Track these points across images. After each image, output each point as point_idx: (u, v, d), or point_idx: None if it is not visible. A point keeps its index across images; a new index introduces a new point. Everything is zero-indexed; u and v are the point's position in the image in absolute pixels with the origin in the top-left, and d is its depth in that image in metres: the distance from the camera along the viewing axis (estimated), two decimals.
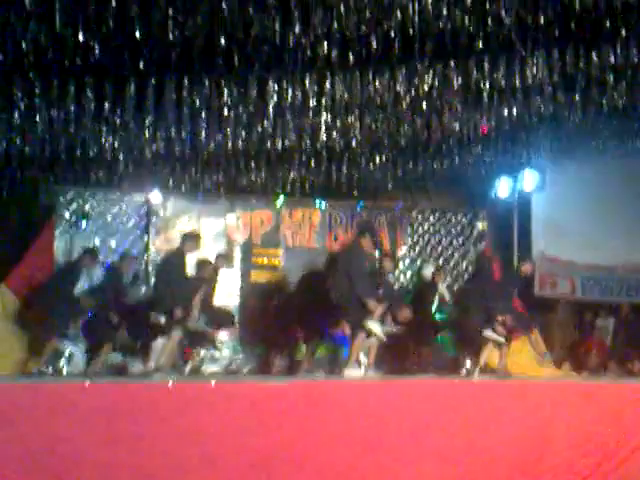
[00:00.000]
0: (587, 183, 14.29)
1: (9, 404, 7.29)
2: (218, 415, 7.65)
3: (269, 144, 11.27)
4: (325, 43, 8.84)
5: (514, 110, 10.74)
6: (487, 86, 9.97)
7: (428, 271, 12.37)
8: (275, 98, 9.92)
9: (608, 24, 8.85)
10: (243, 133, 11.00)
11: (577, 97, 10.53)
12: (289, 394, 8.13)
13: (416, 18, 8.43)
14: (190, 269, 10.12)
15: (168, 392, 7.94)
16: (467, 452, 8.13)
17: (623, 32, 9.24)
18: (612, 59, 9.58)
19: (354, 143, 11.61)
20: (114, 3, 7.70)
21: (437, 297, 11.77)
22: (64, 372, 10.97)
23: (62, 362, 11.10)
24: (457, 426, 8.17)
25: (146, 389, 8.13)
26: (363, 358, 9.96)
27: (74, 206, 11.48)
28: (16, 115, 9.77)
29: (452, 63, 9.67)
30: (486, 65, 9.66)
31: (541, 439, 8.43)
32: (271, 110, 10.23)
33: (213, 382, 8.50)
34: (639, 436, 8.70)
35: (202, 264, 10.44)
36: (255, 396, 7.98)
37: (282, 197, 12.53)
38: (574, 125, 11.62)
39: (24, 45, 8.26)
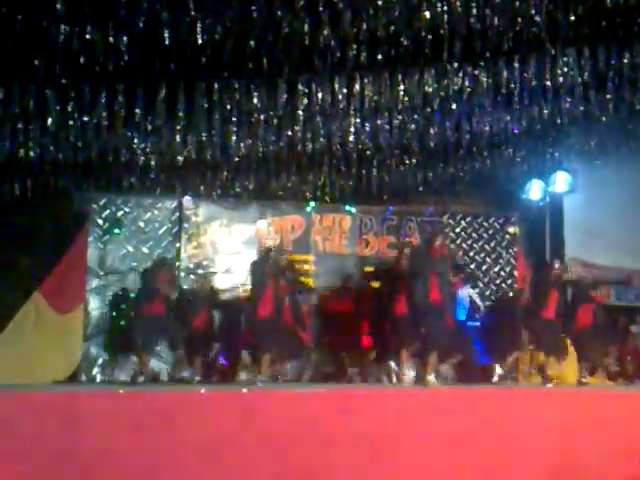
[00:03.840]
0: (620, 184, 14.16)
1: (41, 411, 7.29)
2: (249, 422, 7.60)
3: (299, 148, 11.29)
4: (354, 45, 8.88)
5: (545, 110, 10.67)
6: (517, 86, 9.92)
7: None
8: (305, 101, 9.94)
9: None
10: (273, 138, 11.06)
11: (609, 97, 10.43)
12: (324, 401, 8.08)
13: (445, 18, 8.45)
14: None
15: (201, 399, 7.92)
16: (496, 461, 8.01)
17: None
18: None
19: (384, 146, 11.60)
20: (144, 7, 7.73)
21: (468, 302, 11.65)
22: (97, 379, 11.07)
23: (96, 370, 11.20)
24: (486, 435, 8.04)
25: (179, 397, 8.09)
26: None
27: (107, 213, 11.53)
28: (49, 122, 9.88)
29: (482, 63, 9.63)
30: (516, 65, 9.63)
31: (572, 449, 8.29)
32: (301, 114, 10.25)
33: (245, 389, 8.45)
34: None
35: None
36: (289, 403, 7.94)
37: (312, 202, 12.52)
38: (606, 125, 11.54)
39: (56, 51, 8.35)
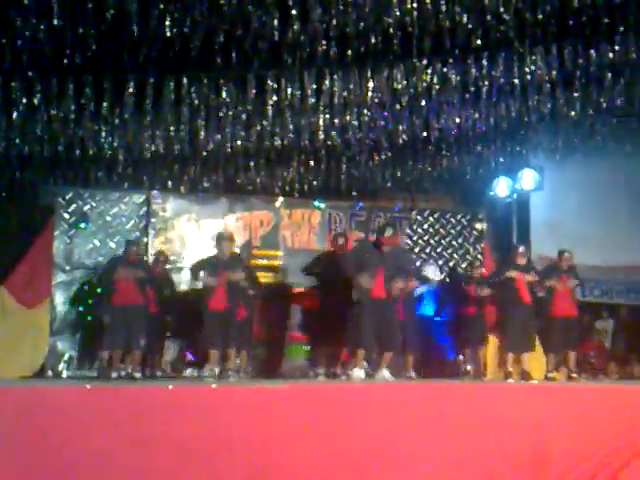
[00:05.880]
0: (586, 182, 14.31)
1: (8, 407, 7.22)
2: (219, 418, 7.58)
3: (268, 143, 11.28)
4: (324, 41, 8.89)
5: (513, 108, 10.75)
6: (486, 84, 9.98)
7: (428, 272, 12.33)
8: (274, 97, 9.93)
9: (607, 21, 8.89)
10: (242, 132, 11.03)
11: (576, 95, 10.55)
12: (287, 397, 8.07)
13: (414, 15, 8.48)
14: None
15: (169, 395, 7.88)
16: (464, 457, 8.04)
17: (621, 29, 9.28)
18: (611, 56, 9.60)
19: (353, 142, 11.63)
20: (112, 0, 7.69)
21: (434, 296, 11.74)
22: (64, 375, 10.99)
23: (62, 365, 11.12)
24: (453, 431, 8.06)
25: (147, 393, 8.04)
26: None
27: (73, 207, 11.42)
28: (14, 115, 9.77)
29: (450, 61, 9.68)
30: (484, 63, 9.69)
31: (540, 443, 8.36)
32: (270, 109, 10.24)
33: (213, 385, 8.43)
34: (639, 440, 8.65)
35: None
36: (254, 400, 7.92)
37: (281, 198, 12.51)
38: (573, 124, 11.65)
39: (22, 43, 8.26)
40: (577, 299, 10.93)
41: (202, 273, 9.66)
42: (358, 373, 8.97)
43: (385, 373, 9.04)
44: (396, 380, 9.25)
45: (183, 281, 11.41)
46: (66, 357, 11.20)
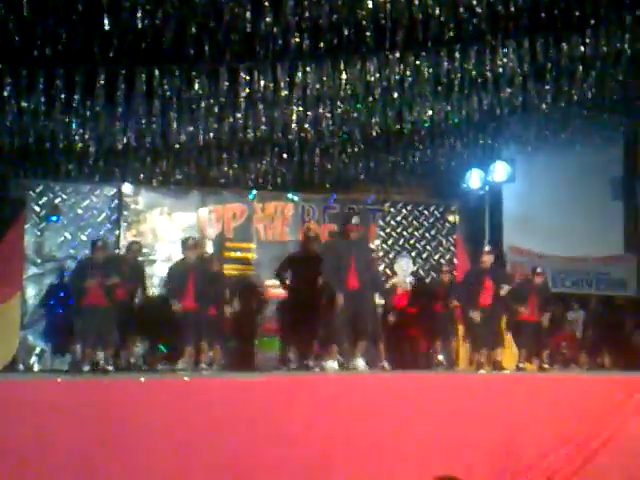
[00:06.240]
0: (557, 174, 14.44)
1: None
2: (192, 411, 7.56)
3: (241, 136, 11.25)
4: (296, 33, 8.87)
5: (485, 101, 10.81)
6: (458, 76, 10.02)
7: (401, 264, 12.38)
8: (246, 89, 9.90)
9: (578, 14, 8.95)
10: (214, 125, 10.98)
11: (547, 87, 10.62)
12: (267, 389, 8.07)
13: (387, 7, 8.48)
14: None
15: (141, 388, 7.84)
16: (436, 446, 8.09)
17: (592, 22, 9.36)
18: (582, 49, 9.68)
19: (326, 135, 11.63)
20: None
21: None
22: (35, 368, 10.91)
23: (33, 359, 11.04)
24: (425, 420, 8.11)
25: (119, 385, 8.01)
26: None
27: (44, 200, 11.32)
28: None
29: (423, 53, 9.71)
30: (457, 55, 9.73)
31: (511, 432, 8.43)
32: (242, 101, 10.21)
33: (186, 378, 8.40)
34: (609, 429, 8.74)
35: None
36: (227, 392, 7.91)
37: (254, 190, 12.48)
38: (544, 116, 11.74)
39: None
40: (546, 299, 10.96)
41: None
42: (332, 365, 8.99)
43: (360, 362, 9.06)
44: (370, 371, 9.28)
45: (155, 274, 11.37)
46: (37, 350, 11.12)
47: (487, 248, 10.72)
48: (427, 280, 12.39)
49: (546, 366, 10.46)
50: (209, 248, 11.78)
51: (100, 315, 9.38)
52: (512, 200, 14.72)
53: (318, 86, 9.94)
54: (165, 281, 10.13)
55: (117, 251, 11.25)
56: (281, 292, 10.66)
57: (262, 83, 9.79)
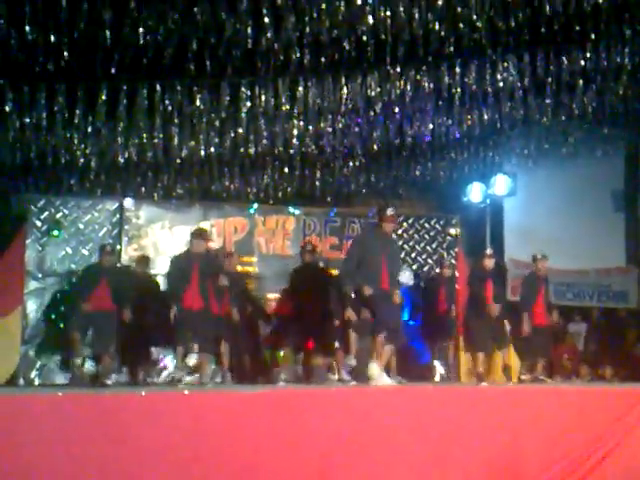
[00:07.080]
0: (558, 187, 14.44)
1: None
2: (193, 424, 7.53)
3: (242, 150, 11.26)
4: (297, 48, 8.89)
5: (485, 115, 10.83)
6: (459, 91, 10.04)
7: (402, 277, 12.35)
8: (248, 104, 9.92)
9: (578, 28, 8.98)
10: (216, 139, 11.00)
11: (548, 101, 10.64)
12: (269, 402, 8.05)
13: (388, 23, 8.51)
14: None
15: (141, 402, 7.82)
16: (438, 458, 8.07)
17: (593, 36, 9.38)
18: (582, 63, 9.71)
19: (327, 149, 11.65)
20: (85, 6, 7.63)
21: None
22: (36, 382, 10.90)
23: (34, 373, 11.04)
24: (427, 433, 8.08)
25: (120, 399, 7.99)
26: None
27: (45, 214, 11.35)
28: None
29: (424, 68, 9.73)
30: (457, 70, 9.75)
31: (513, 445, 8.40)
32: (244, 116, 10.23)
33: (186, 391, 8.38)
34: (611, 441, 8.71)
35: None
36: (232, 405, 7.90)
37: (255, 204, 12.51)
38: (545, 130, 11.76)
39: None
40: (550, 307, 10.97)
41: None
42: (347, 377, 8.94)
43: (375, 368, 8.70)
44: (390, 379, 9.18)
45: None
46: (38, 365, 11.11)
47: (488, 252, 10.70)
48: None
49: (543, 378, 10.43)
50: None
51: (106, 320, 9.43)
52: (513, 213, 14.72)
53: (319, 101, 9.96)
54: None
55: (118, 265, 11.25)
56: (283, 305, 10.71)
57: (263, 98, 9.81)
